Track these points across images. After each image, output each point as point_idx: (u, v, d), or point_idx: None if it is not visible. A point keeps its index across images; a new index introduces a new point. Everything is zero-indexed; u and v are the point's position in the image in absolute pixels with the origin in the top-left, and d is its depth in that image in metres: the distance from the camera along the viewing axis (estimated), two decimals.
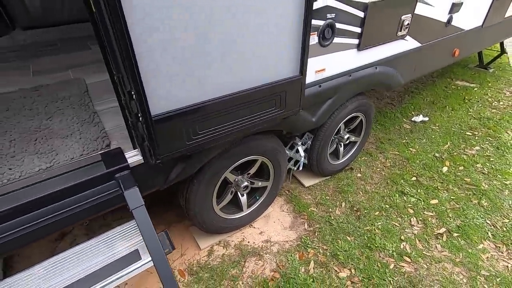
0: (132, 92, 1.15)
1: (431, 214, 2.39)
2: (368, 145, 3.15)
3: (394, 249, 2.12)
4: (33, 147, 1.45)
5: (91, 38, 3.19)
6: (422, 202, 2.49)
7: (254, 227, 2.32)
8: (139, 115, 1.21)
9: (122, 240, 1.31)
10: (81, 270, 1.19)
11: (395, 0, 1.98)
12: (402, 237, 2.20)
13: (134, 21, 1.00)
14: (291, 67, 1.54)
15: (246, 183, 2.05)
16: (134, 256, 1.25)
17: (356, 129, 2.72)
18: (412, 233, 2.25)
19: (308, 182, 2.71)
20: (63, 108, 1.78)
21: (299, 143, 2.35)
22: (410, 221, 2.34)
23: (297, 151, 2.37)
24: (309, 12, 1.40)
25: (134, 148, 1.44)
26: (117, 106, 1.86)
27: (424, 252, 2.11)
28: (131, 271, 1.21)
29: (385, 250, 2.11)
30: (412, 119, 3.64)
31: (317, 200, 2.54)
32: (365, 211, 2.41)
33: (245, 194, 2.16)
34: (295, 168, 2.50)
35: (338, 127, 2.44)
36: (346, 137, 2.61)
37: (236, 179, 2.04)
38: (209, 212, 1.96)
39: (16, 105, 1.81)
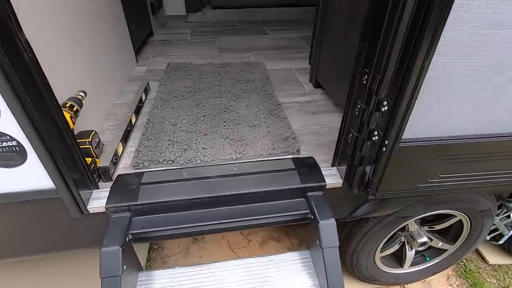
0: (384, 103, 0.82)
1: None
2: None
3: None
4: (223, 129, 1.35)
5: (266, 23, 3.17)
6: None
7: None
8: (376, 132, 0.88)
9: (295, 274, 1.05)
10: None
11: None
12: None
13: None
14: None
15: (425, 239, 1.53)
16: None
17: None
18: None
19: (494, 259, 1.93)
20: (248, 91, 1.68)
21: None
22: None
23: (507, 217, 1.65)
24: None
25: (332, 166, 1.14)
26: (299, 102, 1.65)
27: None
28: None
29: None
30: None
31: None
32: None
33: (414, 250, 1.64)
34: (488, 238, 1.79)
35: None
36: None
37: (414, 230, 1.55)
38: (369, 256, 1.55)
39: (207, 78, 1.83)
